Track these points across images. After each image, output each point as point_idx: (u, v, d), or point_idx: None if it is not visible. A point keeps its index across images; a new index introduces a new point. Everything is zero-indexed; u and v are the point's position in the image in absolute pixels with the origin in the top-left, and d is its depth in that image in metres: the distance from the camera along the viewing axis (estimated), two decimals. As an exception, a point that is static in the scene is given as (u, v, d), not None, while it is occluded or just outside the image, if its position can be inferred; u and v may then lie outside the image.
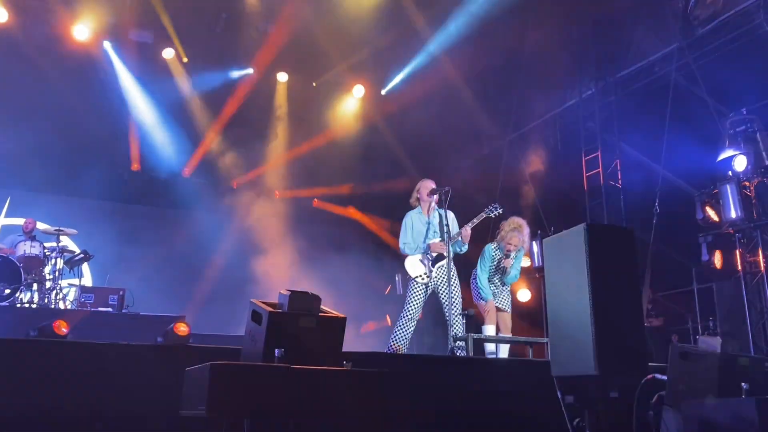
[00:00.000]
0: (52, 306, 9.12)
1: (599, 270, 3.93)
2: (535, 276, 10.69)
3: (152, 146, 12.00)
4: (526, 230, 7.36)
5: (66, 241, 10.24)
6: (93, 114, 11.18)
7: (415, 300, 6.90)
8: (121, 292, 9.43)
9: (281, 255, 11.65)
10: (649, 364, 4.25)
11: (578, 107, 11.38)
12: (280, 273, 11.30)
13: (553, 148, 11.69)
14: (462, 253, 7.01)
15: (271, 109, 12.45)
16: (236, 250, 11.70)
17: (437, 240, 6.90)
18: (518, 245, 7.29)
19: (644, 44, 10.04)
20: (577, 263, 3.99)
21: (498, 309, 7.40)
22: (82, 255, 9.69)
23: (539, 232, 10.12)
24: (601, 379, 3.83)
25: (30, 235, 9.73)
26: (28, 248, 9.42)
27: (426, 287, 6.93)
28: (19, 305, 8.94)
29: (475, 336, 6.64)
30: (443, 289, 6.80)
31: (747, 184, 8.18)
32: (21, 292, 9.06)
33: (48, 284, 9.35)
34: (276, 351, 3.42)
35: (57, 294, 9.32)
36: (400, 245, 7.08)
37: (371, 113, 12.42)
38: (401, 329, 6.85)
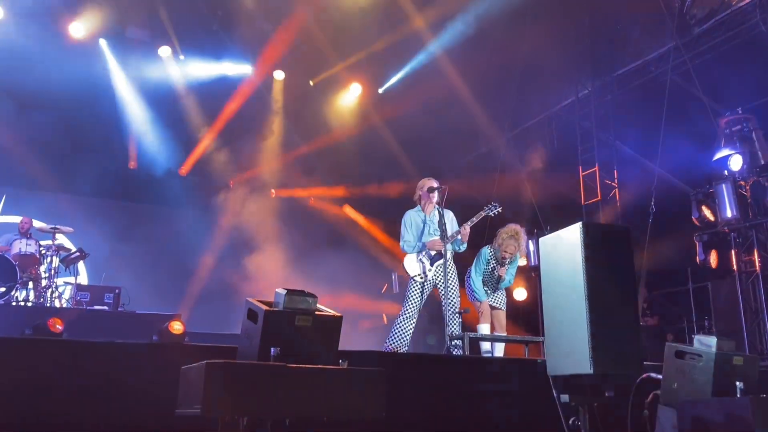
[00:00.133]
0: (48, 304, 9.11)
1: (595, 269, 3.93)
2: (531, 275, 10.70)
3: (149, 144, 11.98)
4: (523, 238, 7.34)
5: (62, 239, 10.22)
6: (89, 112, 11.17)
7: (413, 299, 6.86)
8: (116, 291, 9.42)
9: (277, 253, 11.65)
10: (645, 363, 4.25)
11: (575, 106, 11.40)
12: (276, 271, 11.31)
13: (549, 147, 11.71)
14: (461, 251, 7.01)
15: (267, 108, 12.44)
16: (233, 248, 11.71)
17: (436, 238, 6.90)
18: (514, 253, 7.28)
19: (640, 43, 10.05)
20: (573, 262, 3.99)
21: (492, 307, 7.41)
22: (77, 253, 9.68)
23: (535, 230, 10.13)
24: (597, 377, 3.84)
25: (26, 233, 9.70)
26: (23, 246, 9.40)
27: (424, 286, 6.92)
28: (14, 303, 8.92)
29: (471, 335, 6.64)
30: (441, 288, 6.80)
31: (743, 183, 8.20)
32: (16, 290, 9.04)
33: (44, 282, 9.33)
34: (272, 350, 3.42)
35: (52, 292, 9.30)
36: (401, 243, 7.07)
37: (368, 112, 12.41)
38: (399, 329, 6.79)
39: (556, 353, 4.15)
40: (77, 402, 4.04)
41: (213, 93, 11.76)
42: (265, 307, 3.56)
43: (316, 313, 3.68)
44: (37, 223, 9.93)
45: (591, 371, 3.77)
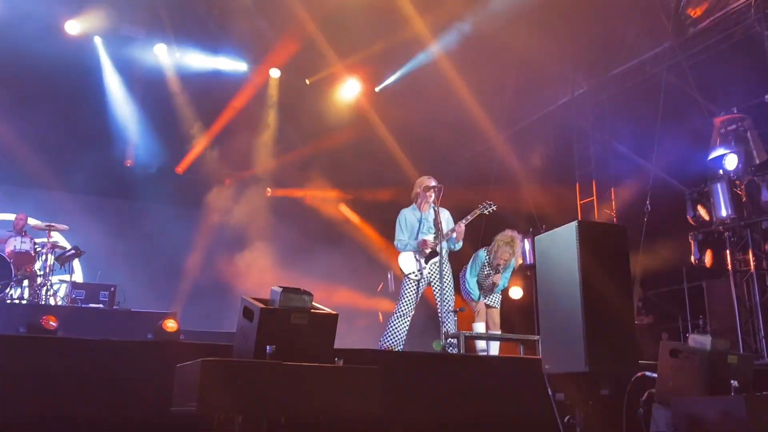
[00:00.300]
0: (43, 302, 9.09)
1: (590, 267, 3.94)
2: (527, 274, 10.71)
3: (145, 142, 11.96)
4: (519, 244, 7.35)
5: (57, 237, 10.19)
6: (85, 109, 11.15)
7: (408, 297, 6.85)
8: (112, 288, 9.42)
9: (273, 250, 11.64)
10: (640, 361, 4.26)
11: (570, 105, 11.41)
12: (271, 268, 11.30)
13: (545, 146, 11.71)
14: (455, 250, 7.01)
15: (263, 106, 12.41)
16: (229, 246, 11.70)
17: (430, 237, 6.89)
18: (508, 260, 7.29)
19: (636, 43, 10.06)
20: (568, 261, 4.00)
21: (487, 306, 7.43)
22: (73, 251, 9.65)
23: (531, 229, 10.15)
24: (592, 376, 3.85)
25: (21, 230, 9.68)
26: (18, 244, 9.37)
27: (419, 284, 6.91)
28: (8, 301, 8.90)
29: (467, 333, 6.64)
30: (434, 284, 6.79)
31: (737, 182, 8.22)
32: (11, 288, 9.01)
33: (39, 280, 9.31)
34: (267, 347, 3.42)
35: (47, 290, 9.28)
36: (395, 242, 7.06)
37: (365, 111, 12.40)
38: (394, 328, 6.77)
39: (552, 351, 4.16)
40: (73, 400, 4.03)
41: (209, 91, 11.73)
42: (260, 305, 3.56)
43: (312, 311, 3.67)
44: (31, 221, 9.91)
45: (586, 369, 3.78)
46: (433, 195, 6.89)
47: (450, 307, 6.67)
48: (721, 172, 8.35)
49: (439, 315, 6.62)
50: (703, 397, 4.13)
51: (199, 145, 12.23)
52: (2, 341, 4.28)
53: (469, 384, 5.01)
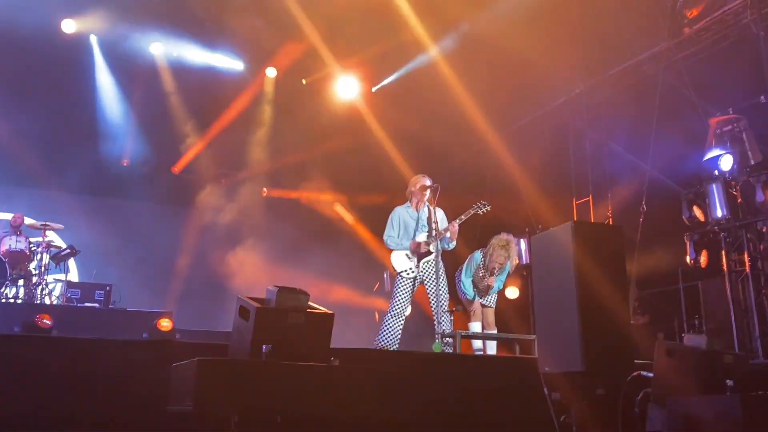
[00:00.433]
0: (38, 301, 9.07)
1: (586, 267, 3.95)
2: (523, 273, 10.71)
3: (142, 141, 11.93)
4: (514, 248, 7.33)
5: (52, 236, 10.17)
6: (81, 108, 11.12)
7: (402, 295, 6.82)
8: (107, 288, 9.39)
9: (269, 250, 11.64)
10: (635, 361, 4.27)
11: (566, 106, 11.41)
12: (267, 267, 11.29)
13: (541, 146, 11.71)
14: (449, 249, 7.00)
15: (259, 106, 12.39)
16: (225, 245, 11.68)
17: (423, 236, 6.87)
18: (504, 264, 7.27)
19: (632, 43, 10.07)
20: (564, 260, 4.01)
21: (482, 305, 7.43)
22: (68, 250, 9.64)
23: (527, 229, 10.14)
24: (588, 375, 3.85)
25: (17, 230, 9.65)
26: (13, 243, 9.35)
27: (412, 282, 6.88)
28: (4, 300, 8.88)
29: (463, 333, 6.64)
30: (429, 284, 6.78)
31: (733, 183, 8.23)
32: (6, 287, 8.99)
33: (34, 279, 9.28)
34: (263, 347, 3.41)
35: (43, 289, 9.26)
36: (385, 237, 7.02)
37: (362, 110, 12.38)
38: (388, 327, 6.75)
39: (548, 351, 4.16)
40: (69, 400, 4.02)
41: (205, 90, 11.70)
42: (256, 305, 3.56)
43: (308, 310, 3.68)
44: (27, 220, 9.88)
45: (582, 369, 3.79)
46: (427, 194, 6.89)
47: (445, 307, 6.67)
48: (716, 172, 8.35)
49: (435, 315, 6.61)
50: (699, 397, 4.14)
51: (195, 145, 12.21)
52: (-3, 340, 4.28)
53: (465, 383, 5.01)
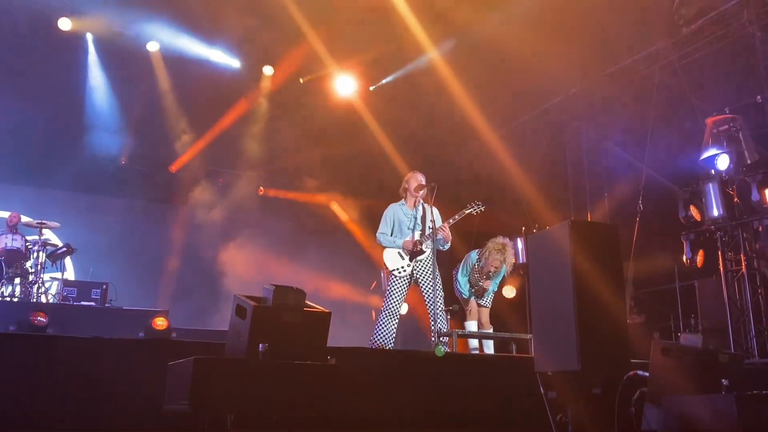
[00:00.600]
0: (34, 300, 9.06)
1: (583, 266, 3.95)
2: (519, 273, 10.72)
3: (140, 140, 11.91)
4: (510, 252, 7.27)
5: (48, 235, 10.15)
6: (78, 107, 11.09)
7: (396, 294, 6.78)
8: (104, 286, 9.38)
9: (266, 249, 11.63)
10: (631, 360, 4.27)
11: (563, 105, 11.42)
12: (264, 266, 11.29)
13: (538, 146, 11.72)
14: (443, 249, 6.94)
15: (256, 104, 12.37)
16: (221, 243, 11.68)
17: (417, 234, 6.84)
18: (499, 268, 7.21)
19: (629, 43, 10.08)
20: (561, 260, 4.01)
21: (478, 304, 7.43)
22: (64, 249, 9.62)
23: (524, 228, 10.15)
24: (584, 375, 3.86)
25: (13, 228, 9.64)
26: (9, 241, 9.34)
27: (406, 280, 6.84)
28: (0, 299, 8.86)
29: (459, 332, 6.64)
30: (425, 283, 6.76)
31: (729, 182, 8.25)
32: (2, 285, 8.98)
33: (30, 278, 9.27)
34: (260, 346, 3.41)
35: (39, 288, 9.25)
36: (378, 234, 6.98)
37: (359, 109, 12.36)
38: (383, 327, 6.70)
39: (544, 350, 4.17)
40: (64, 398, 4.01)
41: (202, 88, 11.66)
42: (253, 303, 3.56)
43: (305, 309, 3.67)
44: (23, 218, 9.87)
45: (578, 368, 3.79)
46: (422, 192, 6.86)
47: (442, 306, 6.66)
48: (713, 172, 8.37)
49: (431, 314, 6.59)
50: (695, 396, 4.14)
51: (192, 143, 12.19)
52: (-7, 339, 4.27)
53: (461, 382, 5.02)
